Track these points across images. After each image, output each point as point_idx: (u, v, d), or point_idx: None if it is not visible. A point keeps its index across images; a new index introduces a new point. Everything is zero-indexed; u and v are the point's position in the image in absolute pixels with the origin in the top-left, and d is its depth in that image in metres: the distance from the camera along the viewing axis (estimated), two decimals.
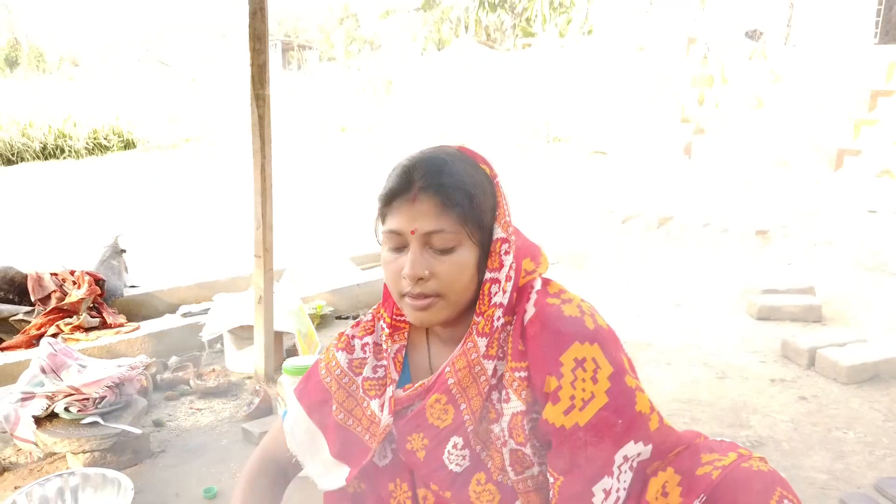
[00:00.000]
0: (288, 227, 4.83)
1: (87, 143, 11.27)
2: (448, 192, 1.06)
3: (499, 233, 1.11)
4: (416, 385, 1.19)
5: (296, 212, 6.34)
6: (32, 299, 3.00)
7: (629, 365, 1.10)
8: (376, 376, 1.25)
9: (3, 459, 2.21)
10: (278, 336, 2.90)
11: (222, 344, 3.10)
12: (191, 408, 2.64)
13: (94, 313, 3.08)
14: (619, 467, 1.05)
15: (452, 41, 17.16)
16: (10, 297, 3.02)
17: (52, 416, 2.20)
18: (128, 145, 11.89)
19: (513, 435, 1.10)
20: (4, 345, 2.84)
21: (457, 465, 1.18)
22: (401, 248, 1.10)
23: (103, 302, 3.18)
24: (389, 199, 1.10)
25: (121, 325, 3.08)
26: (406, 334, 1.26)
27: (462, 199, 1.07)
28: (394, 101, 16.20)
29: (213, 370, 2.84)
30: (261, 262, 2.74)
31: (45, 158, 10.71)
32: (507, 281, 1.11)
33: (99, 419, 2.18)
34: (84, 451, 2.11)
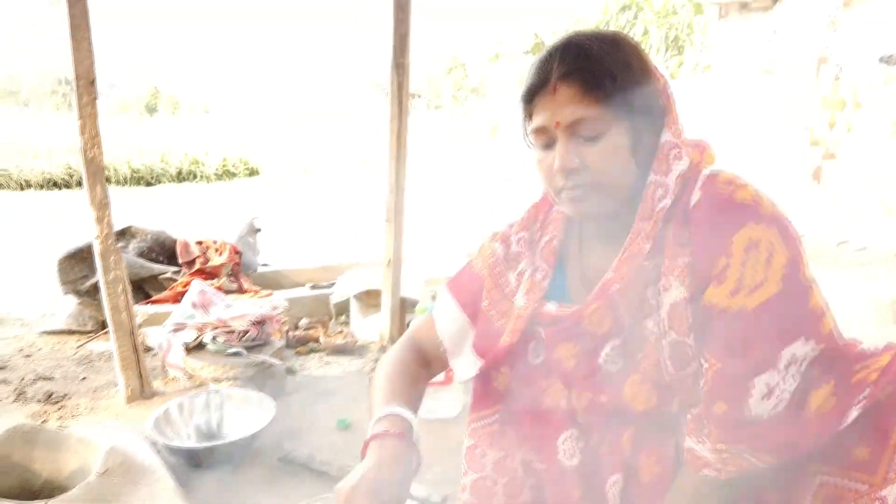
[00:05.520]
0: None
1: (217, 170, 12.14)
2: (588, 75, 1.01)
3: (667, 136, 1.07)
4: (573, 305, 1.17)
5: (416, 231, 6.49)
6: (179, 262, 3.22)
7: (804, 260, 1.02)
8: (529, 272, 1.24)
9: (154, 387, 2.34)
10: (403, 303, 2.94)
11: (348, 315, 3.18)
12: (320, 361, 2.71)
13: (232, 279, 3.25)
14: (785, 367, 0.95)
15: None
16: (160, 258, 3.26)
17: (200, 346, 2.32)
18: (252, 172, 12.72)
19: (673, 326, 1.03)
20: (153, 298, 3.05)
21: (611, 368, 1.15)
22: (550, 144, 1.07)
23: (240, 271, 3.36)
24: (531, 96, 1.07)
25: (255, 292, 3.23)
26: (561, 228, 1.24)
27: (605, 81, 1.01)
28: (498, 144, 16.42)
29: (341, 331, 2.91)
30: (391, 226, 2.82)
31: (180, 182, 11.62)
32: (673, 185, 1.07)
33: (242, 350, 2.27)
34: (227, 379, 2.21)
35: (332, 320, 3.18)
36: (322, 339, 2.80)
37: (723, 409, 0.98)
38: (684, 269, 1.00)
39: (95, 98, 2.07)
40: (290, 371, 2.55)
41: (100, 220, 2.08)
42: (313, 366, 2.66)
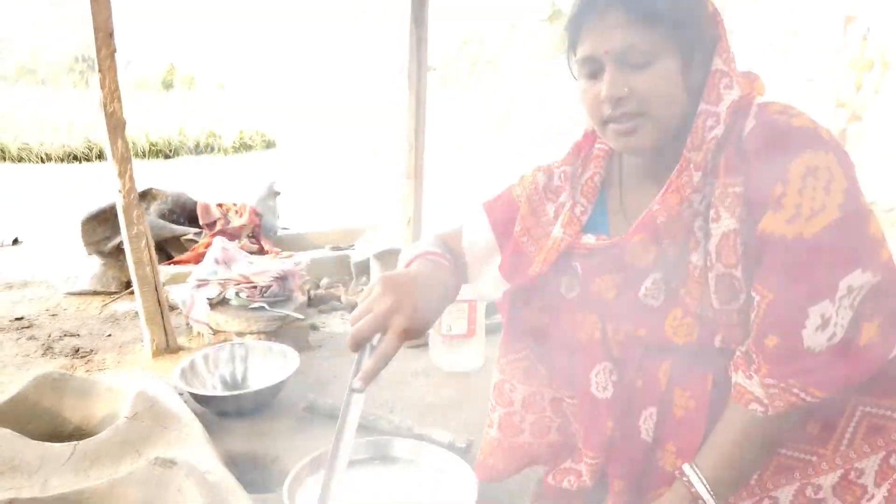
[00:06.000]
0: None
1: (234, 143, 12.20)
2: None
3: (718, 65, 1.02)
4: (614, 237, 1.14)
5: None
6: (200, 223, 3.23)
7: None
8: (569, 205, 1.22)
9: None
10: None
11: (369, 276, 3.18)
12: (342, 318, 2.72)
13: (252, 240, 3.26)
14: (840, 298, 0.92)
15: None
16: (181, 220, 3.27)
17: (223, 302, 2.33)
18: (269, 145, 12.75)
19: (722, 257, 1.00)
20: (175, 259, 3.07)
21: (651, 302, 1.12)
22: (596, 73, 1.04)
23: (261, 233, 3.36)
24: (577, 24, 1.04)
25: (276, 253, 3.23)
26: (603, 164, 1.21)
27: (655, 5, 0.98)
28: (516, 118, 16.25)
29: (362, 290, 2.91)
30: (411, 184, 2.80)
31: (198, 154, 11.69)
32: (725, 114, 1.03)
33: (265, 305, 2.28)
34: (251, 332, 2.22)
35: (353, 281, 3.18)
36: (343, 298, 2.80)
37: (774, 343, 0.95)
38: (736, 199, 0.97)
39: (114, 51, 2.05)
40: (313, 327, 2.56)
41: (122, 174, 2.08)
42: (335, 323, 2.67)
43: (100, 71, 2.00)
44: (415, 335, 1.05)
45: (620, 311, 1.16)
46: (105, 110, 2.03)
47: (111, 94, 2.03)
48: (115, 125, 2.05)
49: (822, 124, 0.97)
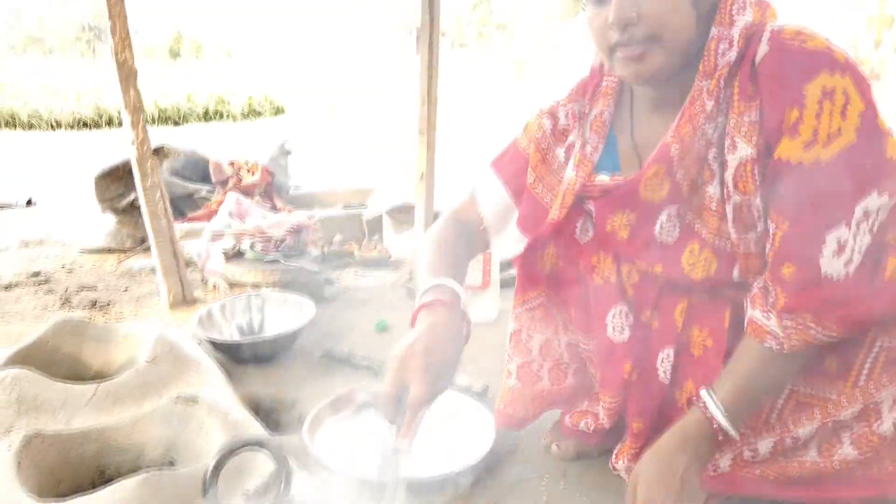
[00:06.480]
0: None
1: (243, 109, 12.14)
2: None
3: None
4: (626, 174, 1.12)
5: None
6: (213, 181, 3.23)
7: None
8: (578, 145, 1.20)
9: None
10: (437, 217, 2.92)
11: (381, 234, 3.17)
12: (356, 274, 2.73)
13: (265, 198, 3.25)
14: (857, 224, 0.90)
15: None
16: (193, 178, 3.27)
17: (238, 255, 2.33)
18: (278, 111, 12.69)
19: (739, 186, 0.99)
20: (189, 216, 3.07)
21: (667, 238, 1.11)
22: (604, 0, 1.01)
23: (273, 191, 3.36)
24: None
25: (288, 211, 3.23)
26: (612, 100, 1.19)
27: None
28: (527, 81, 16.06)
29: (375, 246, 2.91)
30: (424, 138, 2.77)
31: (207, 121, 11.64)
32: (738, 38, 1.00)
33: (280, 258, 2.28)
34: (266, 284, 2.23)
35: (366, 238, 3.17)
36: (357, 254, 2.80)
37: (791, 272, 0.94)
38: (752, 126, 0.95)
39: None
40: (328, 282, 2.57)
41: (134, 124, 2.07)
42: (349, 278, 2.68)
43: (110, 17, 1.98)
44: (440, 391, 1.00)
45: (636, 250, 1.15)
46: (116, 59, 2.01)
47: (122, 42, 2.00)
48: (127, 74, 2.03)
49: (837, 47, 0.95)
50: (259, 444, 0.87)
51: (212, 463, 0.83)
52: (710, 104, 0.99)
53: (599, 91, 1.20)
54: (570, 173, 1.19)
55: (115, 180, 2.96)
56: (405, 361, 0.97)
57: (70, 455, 1.24)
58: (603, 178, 1.16)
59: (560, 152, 1.23)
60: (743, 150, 0.97)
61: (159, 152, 3.30)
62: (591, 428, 1.33)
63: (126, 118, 2.07)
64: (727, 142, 0.99)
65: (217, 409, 1.31)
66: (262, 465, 1.15)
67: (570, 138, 1.22)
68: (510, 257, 1.34)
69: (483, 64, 21.30)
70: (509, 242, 1.30)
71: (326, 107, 13.15)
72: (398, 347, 1.00)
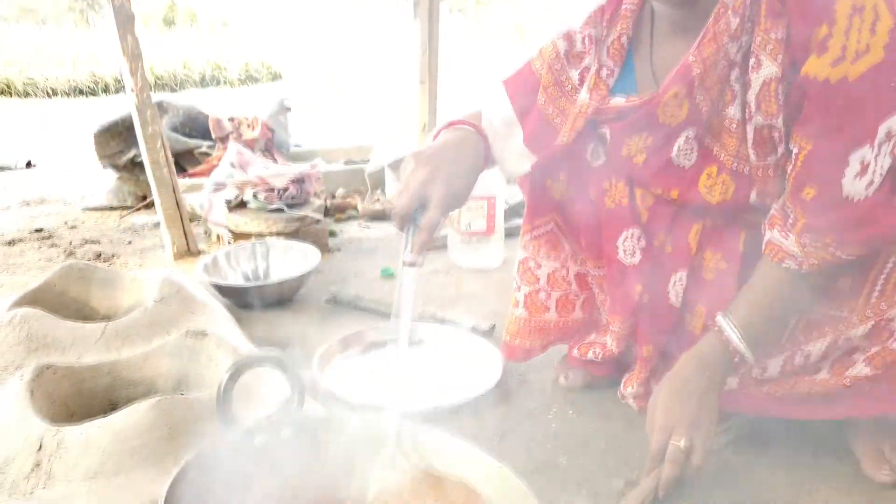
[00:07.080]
0: None
1: (240, 75, 12.02)
2: None
3: None
4: (643, 96, 1.10)
5: None
6: (213, 137, 3.20)
7: None
8: (594, 69, 1.17)
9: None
10: None
11: (383, 190, 3.16)
12: (359, 226, 2.72)
13: (266, 154, 3.22)
14: (879, 145, 0.89)
15: None
16: (193, 134, 3.24)
17: (241, 205, 2.32)
18: (275, 77, 12.56)
19: (762, 107, 0.97)
20: (190, 172, 3.05)
21: (685, 161, 1.09)
22: None
23: (274, 146, 3.33)
24: None
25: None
26: (631, 23, 1.16)
27: None
28: (525, 45, 15.84)
29: (378, 199, 2.90)
30: (425, 88, 2.75)
31: (204, 87, 11.54)
32: None
33: (283, 207, 2.27)
34: (270, 233, 2.22)
35: (368, 191, 3.16)
36: (360, 207, 2.79)
37: (812, 194, 0.93)
38: (778, 44, 0.93)
39: None
40: (332, 233, 2.56)
41: (133, 71, 2.04)
42: (352, 230, 2.67)
43: None
44: (454, 203, 1.06)
45: (652, 173, 1.13)
46: (113, 3, 1.97)
47: None
48: (124, 20, 2.00)
49: None
50: (273, 360, 0.87)
51: (225, 376, 0.83)
52: (735, 22, 0.97)
53: (619, 14, 1.17)
54: (583, 96, 1.17)
55: (115, 136, 2.93)
56: (425, 157, 1.04)
57: (82, 388, 1.25)
58: (619, 101, 1.14)
59: (574, 74, 1.20)
60: (767, 69, 0.95)
61: (159, 107, 3.26)
62: (600, 356, 1.34)
63: (124, 65, 2.04)
64: (751, 61, 0.97)
65: (226, 342, 1.32)
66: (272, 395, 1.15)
67: (586, 62, 1.19)
68: (516, 176, 1.33)
69: (482, 26, 20.95)
70: (511, 162, 1.28)
71: (325, 76, 13.03)
72: (419, 153, 1.05)
